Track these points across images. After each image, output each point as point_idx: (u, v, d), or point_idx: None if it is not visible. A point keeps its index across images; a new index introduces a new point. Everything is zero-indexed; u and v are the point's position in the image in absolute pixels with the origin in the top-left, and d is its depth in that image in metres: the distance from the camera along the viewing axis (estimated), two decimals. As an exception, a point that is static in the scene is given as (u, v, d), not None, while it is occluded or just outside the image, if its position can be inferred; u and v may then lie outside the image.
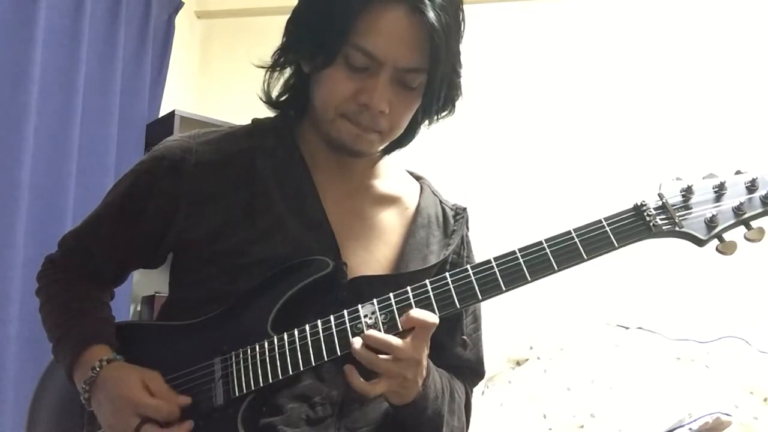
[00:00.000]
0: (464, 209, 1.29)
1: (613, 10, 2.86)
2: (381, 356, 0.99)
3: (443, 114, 1.19)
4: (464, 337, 1.18)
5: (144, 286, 2.78)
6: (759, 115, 2.56)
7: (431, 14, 1.02)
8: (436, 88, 1.09)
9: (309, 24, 1.11)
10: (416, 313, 1.00)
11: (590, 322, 2.51)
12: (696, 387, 2.16)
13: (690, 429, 2.01)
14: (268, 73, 1.19)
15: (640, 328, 2.43)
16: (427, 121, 1.19)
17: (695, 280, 2.40)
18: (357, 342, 1.00)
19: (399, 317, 1.01)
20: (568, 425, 2.18)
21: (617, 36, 2.82)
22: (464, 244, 1.26)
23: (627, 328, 2.45)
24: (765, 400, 2.16)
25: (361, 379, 1.00)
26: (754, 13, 2.67)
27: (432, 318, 1.00)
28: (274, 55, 1.17)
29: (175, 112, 2.78)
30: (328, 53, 1.06)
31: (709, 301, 2.45)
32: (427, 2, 1.03)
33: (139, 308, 2.83)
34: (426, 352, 1.03)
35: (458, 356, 1.23)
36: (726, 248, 0.99)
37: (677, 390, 2.15)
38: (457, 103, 1.19)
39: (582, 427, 2.16)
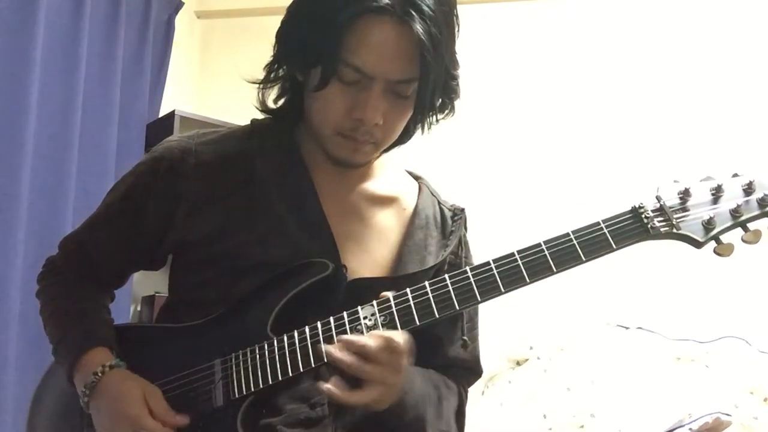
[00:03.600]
0: (462, 210, 1.29)
1: (612, 11, 2.86)
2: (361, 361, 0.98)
3: (442, 116, 1.19)
4: (464, 337, 1.18)
5: (144, 286, 2.78)
6: (757, 117, 2.56)
7: (418, 26, 1.01)
8: (428, 96, 1.08)
9: (298, 42, 1.10)
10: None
11: (590, 322, 2.51)
12: (696, 387, 2.15)
13: (690, 429, 2.01)
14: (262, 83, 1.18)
15: (640, 328, 2.43)
16: (425, 124, 1.19)
17: (695, 280, 2.40)
18: (333, 349, 0.99)
19: (398, 319, 1.01)
20: (568, 425, 2.18)
21: (616, 37, 2.82)
22: (462, 244, 1.26)
23: (627, 328, 2.45)
24: (765, 400, 2.16)
25: (346, 392, 0.99)
26: (753, 14, 2.67)
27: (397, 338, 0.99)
28: (266, 68, 1.17)
29: (175, 112, 2.78)
30: (322, 75, 1.05)
31: (709, 301, 2.44)
32: (413, 13, 1.01)
33: (139, 308, 2.82)
34: (404, 361, 1.01)
35: (456, 356, 1.23)
36: (723, 250, 0.99)
37: (677, 390, 2.14)
38: (456, 104, 1.19)
39: (582, 427, 2.16)
